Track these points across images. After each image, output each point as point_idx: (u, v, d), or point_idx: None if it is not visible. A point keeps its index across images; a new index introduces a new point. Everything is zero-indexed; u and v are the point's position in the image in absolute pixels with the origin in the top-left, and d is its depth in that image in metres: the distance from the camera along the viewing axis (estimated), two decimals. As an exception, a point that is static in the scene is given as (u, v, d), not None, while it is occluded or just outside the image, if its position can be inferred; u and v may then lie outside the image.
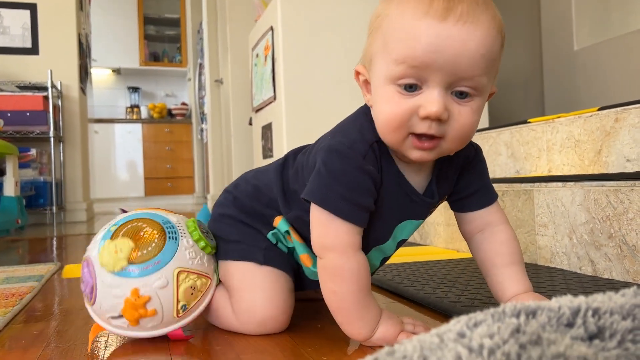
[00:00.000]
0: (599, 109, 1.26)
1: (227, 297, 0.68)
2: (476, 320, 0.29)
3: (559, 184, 0.97)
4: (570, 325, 0.29)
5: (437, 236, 1.37)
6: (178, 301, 0.62)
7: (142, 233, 0.62)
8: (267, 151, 2.50)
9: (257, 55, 2.57)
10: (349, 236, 0.57)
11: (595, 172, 1.25)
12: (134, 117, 5.85)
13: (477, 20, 0.52)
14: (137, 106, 5.92)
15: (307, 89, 2.18)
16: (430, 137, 0.54)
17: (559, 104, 3.04)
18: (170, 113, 5.97)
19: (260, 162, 2.68)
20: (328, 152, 0.58)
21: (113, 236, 0.62)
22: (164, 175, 5.77)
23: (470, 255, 1.18)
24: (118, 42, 5.81)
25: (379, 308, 0.59)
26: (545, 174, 1.40)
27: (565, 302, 0.30)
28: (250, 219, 0.70)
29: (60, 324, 0.74)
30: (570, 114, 1.34)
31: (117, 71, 5.96)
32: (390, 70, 0.53)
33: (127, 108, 5.96)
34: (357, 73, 0.61)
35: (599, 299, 0.31)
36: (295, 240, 0.66)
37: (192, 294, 0.63)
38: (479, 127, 2.02)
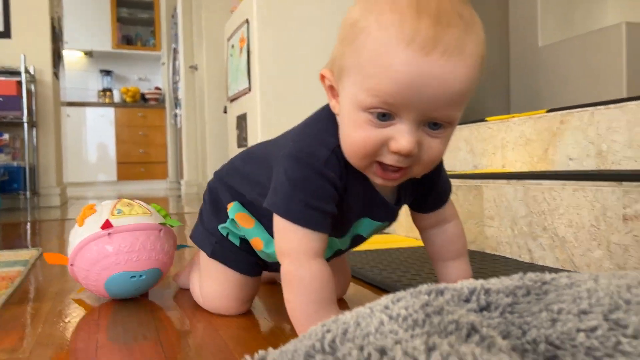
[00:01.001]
0: (547, 111, 1.39)
1: (199, 276, 0.77)
2: (399, 297, 0.39)
3: (504, 181, 1.09)
4: (467, 301, 0.39)
5: (400, 225, 1.48)
6: (115, 206, 0.81)
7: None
8: (241, 140, 2.57)
9: (232, 46, 2.63)
10: (305, 243, 0.56)
11: (543, 169, 1.37)
12: (107, 100, 5.81)
13: (462, 52, 0.48)
14: (110, 90, 5.88)
15: (282, 82, 2.25)
16: (398, 168, 0.53)
17: (524, 99, 3.17)
18: (143, 97, 5.94)
19: (234, 150, 2.75)
20: (289, 160, 0.57)
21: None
22: (137, 160, 5.77)
23: (428, 244, 1.29)
24: (90, 24, 5.74)
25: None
26: (500, 169, 1.52)
27: (466, 284, 0.41)
28: (214, 206, 0.73)
29: (55, 303, 0.82)
30: (522, 115, 1.46)
31: (89, 54, 5.90)
32: (363, 98, 0.50)
33: (99, 91, 5.91)
34: (323, 77, 0.58)
35: (492, 282, 0.41)
36: (242, 227, 0.68)
37: (127, 206, 0.82)
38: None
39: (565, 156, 1.30)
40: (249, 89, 2.34)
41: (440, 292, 0.39)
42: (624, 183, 0.83)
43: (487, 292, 0.40)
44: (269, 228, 0.63)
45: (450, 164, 1.75)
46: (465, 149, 1.68)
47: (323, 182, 0.56)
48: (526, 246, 1.03)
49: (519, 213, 1.05)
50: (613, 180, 0.85)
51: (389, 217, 0.65)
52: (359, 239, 0.68)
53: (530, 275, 0.43)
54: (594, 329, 0.36)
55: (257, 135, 2.27)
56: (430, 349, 0.32)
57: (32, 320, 0.74)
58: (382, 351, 0.33)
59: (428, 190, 0.66)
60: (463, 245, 0.70)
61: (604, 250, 0.86)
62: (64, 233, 1.87)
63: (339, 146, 0.56)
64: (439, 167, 0.66)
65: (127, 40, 6.00)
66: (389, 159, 0.52)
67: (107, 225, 0.77)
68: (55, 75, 3.30)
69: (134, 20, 6.09)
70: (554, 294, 0.41)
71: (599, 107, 1.22)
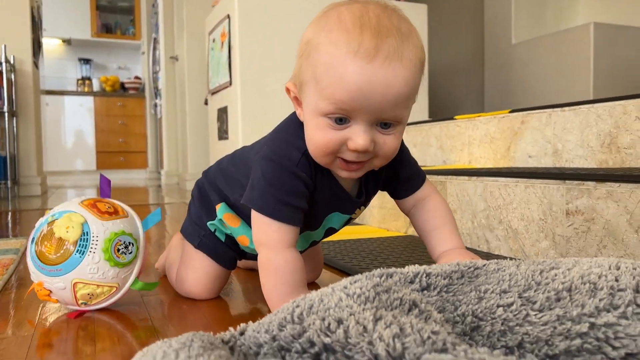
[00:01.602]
0: (510, 111, 1.49)
1: (178, 262, 0.83)
2: (356, 279, 0.47)
3: (466, 178, 1.18)
4: (411, 282, 0.48)
5: (372, 217, 1.57)
6: (77, 300, 0.71)
7: (55, 238, 0.70)
8: (222, 133, 2.63)
9: (213, 40, 2.67)
10: (280, 234, 0.63)
11: (505, 165, 1.48)
12: (86, 89, 5.77)
13: (402, 58, 0.55)
14: (89, 78, 5.84)
15: (262, 76, 2.32)
16: (358, 162, 0.60)
17: (497, 95, 3.28)
18: (123, 86, 5.92)
19: (215, 142, 2.80)
20: (265, 162, 0.64)
21: (40, 233, 0.72)
22: (117, 149, 5.77)
23: (397, 234, 1.39)
24: (68, 12, 5.68)
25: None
26: (466, 165, 1.62)
27: (412, 269, 0.49)
28: (203, 203, 0.80)
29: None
30: (487, 114, 1.55)
31: (67, 42, 5.84)
32: (321, 106, 0.57)
33: (78, 80, 5.86)
34: (288, 89, 0.65)
35: (434, 267, 0.50)
36: (229, 226, 0.75)
37: (90, 298, 0.71)
38: (416, 119, 2.23)
39: (525, 154, 1.40)
40: (230, 83, 2.40)
41: (390, 275, 0.48)
42: (567, 181, 0.93)
43: (428, 275, 0.49)
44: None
45: (422, 159, 1.85)
46: (435, 145, 1.78)
47: (295, 181, 0.63)
48: (484, 237, 1.13)
49: (479, 207, 1.14)
50: (558, 178, 0.94)
51: (354, 209, 0.72)
52: (331, 231, 0.76)
53: (466, 261, 0.52)
54: (510, 305, 0.45)
55: (238, 128, 2.33)
56: (377, 319, 0.41)
57: (32, 302, 0.80)
58: (339, 321, 0.41)
59: (393, 179, 0.73)
60: (444, 214, 0.73)
61: (550, 241, 0.96)
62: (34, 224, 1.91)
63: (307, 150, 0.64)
64: (400, 158, 0.71)
65: (106, 29, 5.96)
66: (349, 156, 0.59)
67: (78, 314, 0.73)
68: (35, 64, 3.30)
69: (114, 9, 6.04)
70: (483, 277, 0.50)
71: (555, 109, 1.32)
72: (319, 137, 0.59)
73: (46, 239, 0.71)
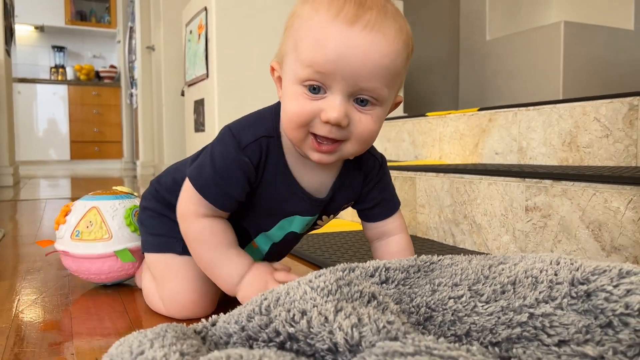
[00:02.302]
0: (479, 110, 1.54)
1: (154, 285, 0.73)
2: (320, 273, 0.51)
3: (434, 174, 1.23)
4: (372, 276, 0.52)
5: (345, 211, 1.61)
6: (78, 223, 0.82)
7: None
8: (199, 125, 2.63)
9: (190, 32, 2.67)
10: (198, 207, 0.62)
11: (474, 161, 1.53)
12: (59, 77, 5.67)
13: (383, 30, 0.54)
14: (63, 66, 5.73)
15: (239, 69, 2.33)
16: (331, 141, 0.57)
17: (472, 91, 3.35)
18: (98, 75, 5.83)
19: (191, 134, 2.81)
20: (219, 134, 0.63)
21: None
22: (91, 139, 5.69)
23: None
24: (41, -2, 5.56)
25: (247, 261, 0.64)
26: (436, 160, 1.67)
27: (372, 263, 0.53)
28: (170, 211, 0.71)
29: (27, 280, 0.91)
30: (457, 112, 1.61)
31: (40, 29, 5.71)
32: (298, 71, 0.56)
33: (51, 68, 5.75)
34: (272, 69, 0.63)
35: (393, 262, 0.54)
36: None
37: (87, 227, 0.81)
38: (391, 115, 2.27)
39: (492, 151, 1.46)
40: (207, 75, 2.41)
41: (352, 269, 0.52)
42: (527, 179, 0.98)
43: (387, 269, 0.53)
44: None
45: (395, 154, 1.90)
46: (408, 141, 1.82)
47: (234, 165, 0.61)
48: (450, 231, 1.18)
49: (445, 202, 1.19)
50: (518, 176, 1.00)
51: (315, 210, 0.68)
52: (293, 235, 0.71)
53: (423, 256, 0.56)
54: (460, 297, 0.50)
55: (215, 120, 2.34)
56: (338, 310, 0.44)
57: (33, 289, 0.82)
58: (303, 312, 0.45)
59: (374, 197, 0.71)
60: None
61: (511, 235, 1.02)
62: (16, 214, 1.91)
63: (266, 137, 0.63)
64: (383, 169, 0.71)
65: (80, 16, 5.85)
66: (321, 130, 0.56)
67: (63, 252, 0.83)
68: (7, 52, 3.24)
69: (88, -5, 5.94)
70: (437, 271, 0.54)
71: (520, 108, 1.37)
72: (292, 107, 0.57)
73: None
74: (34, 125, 5.44)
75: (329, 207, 0.69)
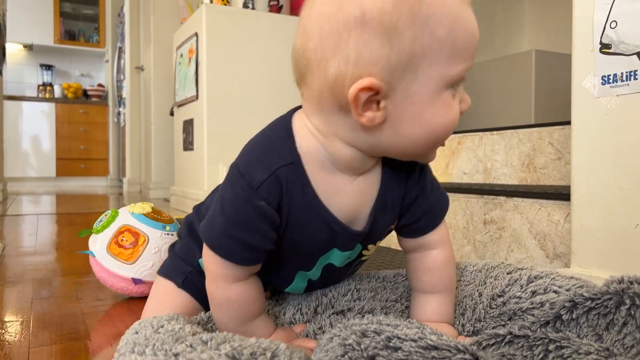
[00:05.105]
0: (449, 133, 1.68)
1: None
2: (328, 348, 0.63)
3: (406, 191, 1.36)
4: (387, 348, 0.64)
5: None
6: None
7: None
8: (188, 144, 2.74)
9: (181, 55, 2.79)
10: (223, 269, 0.53)
11: (444, 180, 1.67)
12: (47, 95, 5.74)
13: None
14: (51, 84, 5.81)
15: (228, 91, 2.46)
16: None
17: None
18: (85, 94, 5.91)
19: (180, 152, 2.91)
20: (227, 174, 0.54)
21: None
22: (77, 156, 5.74)
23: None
24: (31, 17, 5.65)
25: (268, 329, 0.58)
26: (412, 179, 1.80)
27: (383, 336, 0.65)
28: (195, 239, 0.68)
29: (30, 286, 1.01)
30: (430, 135, 1.74)
31: (28, 47, 5.79)
32: (454, 71, 0.46)
33: (39, 86, 5.82)
34: (363, 90, 0.45)
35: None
36: None
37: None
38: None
39: (461, 171, 1.60)
40: (197, 96, 2.53)
41: (360, 338, 0.64)
42: (484, 196, 1.11)
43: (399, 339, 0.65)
44: None
45: (374, 173, 2.02)
46: (386, 161, 1.96)
47: (250, 212, 0.51)
48: (421, 243, 1.31)
49: (416, 217, 1.32)
50: (477, 193, 1.13)
51: (352, 244, 0.58)
52: (331, 269, 0.62)
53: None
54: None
55: (204, 139, 2.46)
56: None
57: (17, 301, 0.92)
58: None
59: (416, 210, 0.59)
60: (446, 280, 0.60)
61: (472, 246, 1.15)
62: (11, 227, 1.98)
63: (285, 166, 0.51)
64: (424, 180, 0.59)
65: (69, 36, 5.94)
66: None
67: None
68: (0, 72, 3.33)
69: (78, 16, 6.04)
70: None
71: (485, 132, 1.52)
72: (448, 119, 0.47)
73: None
74: (20, 142, 5.48)
75: (371, 235, 0.59)
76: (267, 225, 0.52)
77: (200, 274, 0.64)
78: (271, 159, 0.51)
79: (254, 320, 0.56)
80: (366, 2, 0.44)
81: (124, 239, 0.86)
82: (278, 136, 0.53)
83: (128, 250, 0.85)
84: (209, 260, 0.54)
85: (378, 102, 0.46)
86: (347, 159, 0.51)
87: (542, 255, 0.98)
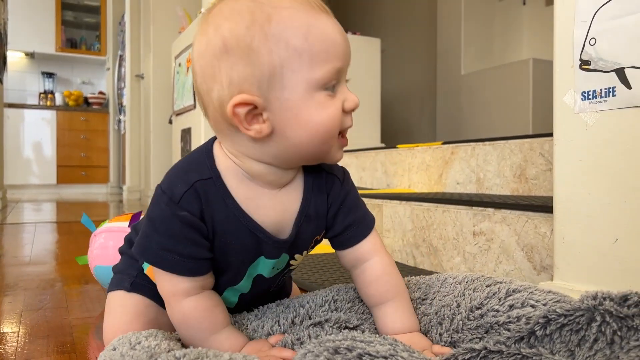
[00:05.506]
0: (443, 143, 1.69)
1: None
2: (308, 350, 0.63)
3: (397, 202, 1.37)
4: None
5: (321, 235, 1.74)
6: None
7: None
8: (185, 152, 2.76)
9: (179, 64, 2.82)
10: (172, 284, 0.54)
11: (438, 190, 1.67)
12: (48, 103, 5.77)
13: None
14: (52, 92, 5.84)
15: (224, 101, 2.47)
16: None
17: (448, 122, 3.52)
18: (86, 101, 5.94)
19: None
20: (153, 197, 0.56)
21: None
22: (78, 163, 5.76)
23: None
24: (33, 26, 5.69)
25: (239, 342, 0.57)
26: (407, 189, 1.81)
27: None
28: (129, 248, 0.68)
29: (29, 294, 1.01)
30: (424, 145, 1.76)
31: (30, 55, 5.83)
32: (318, 74, 0.50)
33: (40, 94, 5.85)
34: (238, 105, 0.50)
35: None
36: (150, 278, 0.63)
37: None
38: (368, 146, 2.43)
39: (454, 180, 1.60)
40: (194, 106, 2.54)
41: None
42: (474, 207, 1.12)
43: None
44: None
45: (369, 182, 2.04)
46: (380, 170, 1.97)
47: (178, 224, 0.53)
48: (412, 253, 1.32)
49: (407, 227, 1.33)
50: (466, 205, 1.14)
51: (279, 251, 0.59)
52: (261, 280, 0.63)
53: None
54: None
55: (201, 149, 2.47)
56: None
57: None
58: None
59: (342, 220, 0.62)
60: (393, 285, 0.61)
61: (461, 257, 1.15)
62: (8, 236, 2.00)
63: (202, 180, 0.54)
64: (345, 187, 0.63)
65: (71, 44, 5.98)
66: (347, 122, 0.54)
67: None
68: (0, 80, 3.35)
69: (79, 24, 6.08)
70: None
71: (478, 143, 1.53)
72: (325, 118, 0.51)
73: None
74: (22, 149, 5.51)
75: (296, 244, 0.61)
76: (196, 234, 0.54)
77: (146, 275, 0.65)
78: (190, 175, 0.55)
79: (217, 334, 0.56)
80: (225, 33, 0.50)
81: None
82: (199, 157, 0.57)
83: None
84: (159, 280, 0.56)
85: (261, 115, 0.51)
86: (262, 174, 0.56)
87: (530, 267, 0.98)
